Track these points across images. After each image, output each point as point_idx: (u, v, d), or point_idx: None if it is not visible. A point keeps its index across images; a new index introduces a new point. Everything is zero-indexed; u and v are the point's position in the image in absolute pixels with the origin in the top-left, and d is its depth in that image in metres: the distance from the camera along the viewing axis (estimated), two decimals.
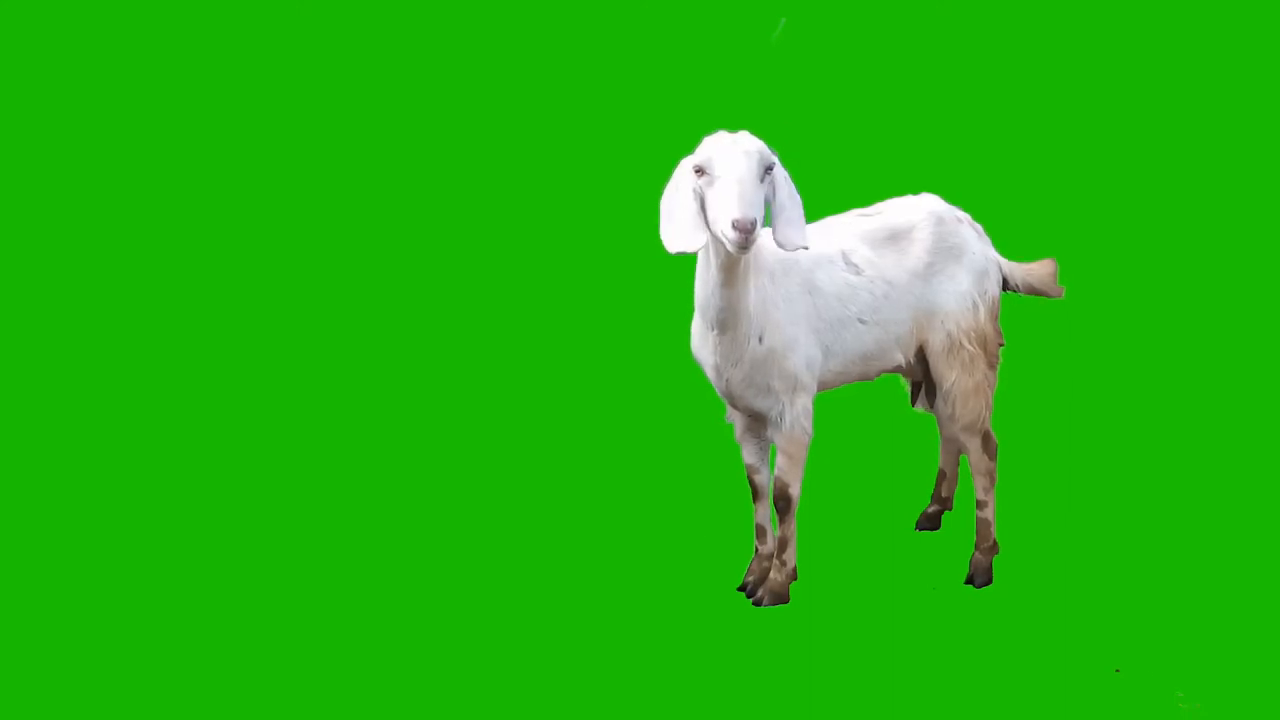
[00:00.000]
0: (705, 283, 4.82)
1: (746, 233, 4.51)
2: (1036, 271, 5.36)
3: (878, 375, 5.23)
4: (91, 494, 5.88)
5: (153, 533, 5.62)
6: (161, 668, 4.78)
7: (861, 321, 5.06)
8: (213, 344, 6.81)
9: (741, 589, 5.23)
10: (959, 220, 5.22)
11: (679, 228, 4.65)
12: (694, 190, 4.66)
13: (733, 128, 4.77)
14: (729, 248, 4.58)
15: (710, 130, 4.76)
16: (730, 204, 4.55)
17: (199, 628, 5.00)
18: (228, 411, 6.45)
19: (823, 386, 5.09)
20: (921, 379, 5.33)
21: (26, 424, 6.31)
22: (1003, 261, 5.29)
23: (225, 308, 7.00)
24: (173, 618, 5.07)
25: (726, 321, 4.83)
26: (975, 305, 5.17)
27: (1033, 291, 5.35)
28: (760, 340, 4.88)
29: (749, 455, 5.20)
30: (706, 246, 4.73)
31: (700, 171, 4.65)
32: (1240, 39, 7.36)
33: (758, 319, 4.86)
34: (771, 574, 5.14)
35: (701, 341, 4.96)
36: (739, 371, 4.92)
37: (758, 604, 5.13)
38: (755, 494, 5.21)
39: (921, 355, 5.20)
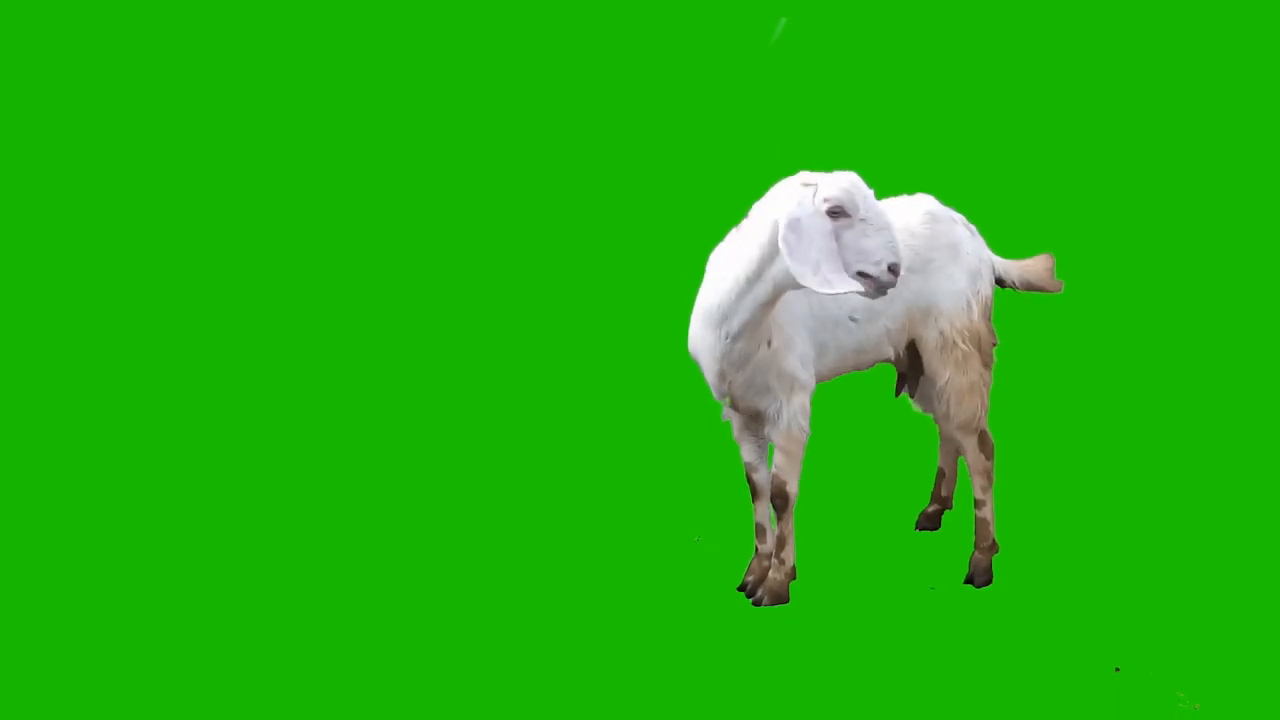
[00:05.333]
0: (739, 299, 4.81)
1: (897, 276, 4.65)
2: (1032, 267, 5.36)
3: (871, 366, 5.24)
4: (92, 494, 5.87)
5: (153, 532, 5.61)
6: (162, 668, 4.78)
7: (854, 320, 5.07)
8: (213, 344, 6.81)
9: (741, 589, 5.23)
10: (953, 220, 5.23)
11: (827, 270, 4.60)
12: (830, 231, 4.63)
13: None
14: (867, 289, 4.63)
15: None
16: (888, 250, 4.64)
17: (199, 627, 5.00)
18: (228, 411, 6.45)
19: (818, 380, 5.10)
20: (906, 370, 5.32)
21: (26, 424, 6.31)
22: (997, 260, 5.30)
23: (227, 307, 7.01)
24: (173, 617, 5.07)
25: (745, 333, 4.85)
26: (969, 304, 5.18)
27: (1030, 288, 5.35)
28: (769, 344, 4.90)
29: (747, 454, 5.20)
30: (755, 274, 4.74)
31: (839, 214, 4.64)
32: (1239, 39, 7.36)
33: (767, 327, 4.88)
34: (770, 573, 5.14)
35: (706, 346, 4.95)
36: (743, 375, 4.94)
37: (757, 604, 5.13)
38: (754, 492, 5.22)
39: (912, 348, 5.21)
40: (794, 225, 4.61)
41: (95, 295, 7.03)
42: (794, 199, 4.67)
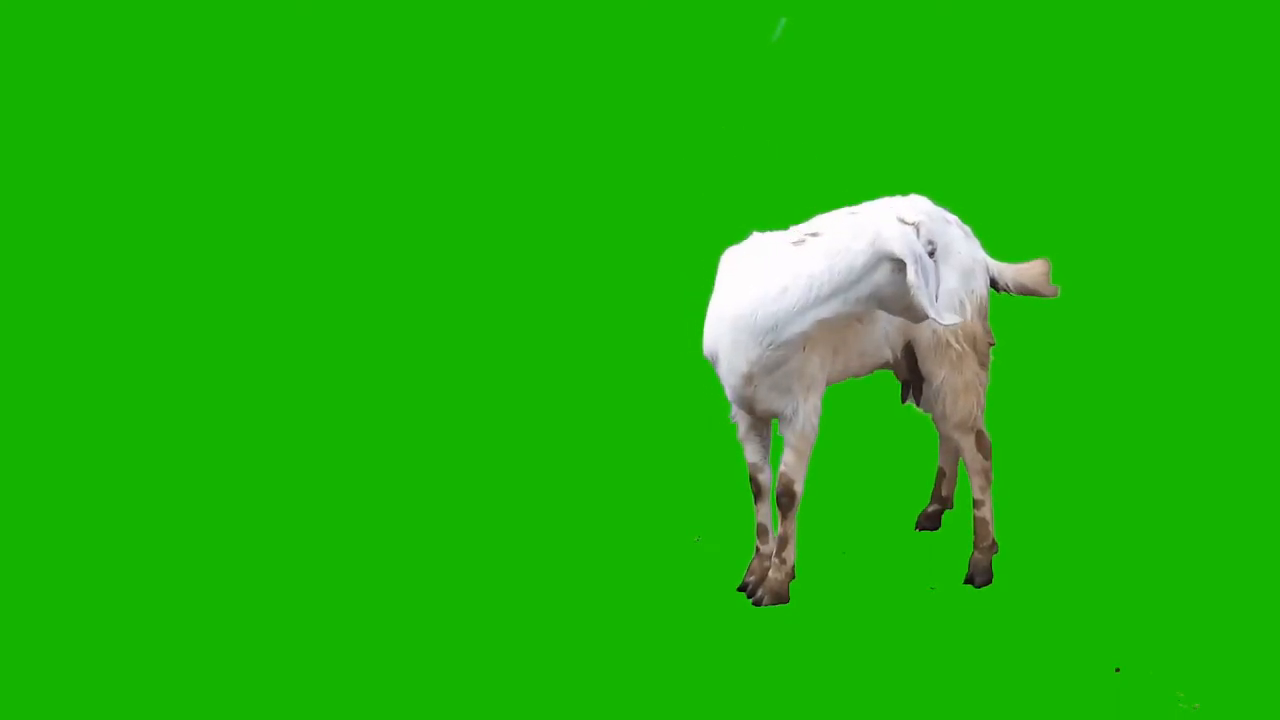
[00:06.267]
0: (802, 312, 4.85)
1: None
2: (1028, 271, 5.36)
3: (871, 371, 5.25)
4: (92, 494, 5.87)
5: (153, 533, 5.61)
6: (162, 668, 4.79)
7: (859, 321, 5.08)
8: (216, 344, 6.82)
9: (742, 589, 5.23)
10: (946, 221, 5.23)
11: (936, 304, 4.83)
12: (934, 268, 4.84)
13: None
14: (942, 320, 4.81)
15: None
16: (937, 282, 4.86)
17: (199, 628, 5.01)
18: (232, 412, 6.45)
19: (829, 383, 5.11)
20: (909, 376, 5.33)
21: (26, 424, 6.31)
22: (991, 263, 5.30)
23: (231, 308, 7.02)
24: (173, 618, 5.07)
25: (793, 343, 4.89)
26: (962, 304, 5.18)
27: (1024, 291, 5.34)
28: (804, 349, 4.91)
29: (752, 454, 5.21)
30: (831, 293, 4.83)
31: (933, 254, 4.85)
32: (1239, 39, 7.37)
33: (806, 337, 4.91)
34: (770, 573, 5.15)
35: (735, 350, 4.95)
36: (770, 379, 4.95)
37: (758, 604, 5.14)
38: (757, 494, 5.22)
39: (909, 352, 5.21)
40: (921, 262, 4.76)
41: (95, 295, 7.03)
42: (903, 234, 4.78)
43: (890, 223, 4.81)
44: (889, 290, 4.79)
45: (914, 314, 4.80)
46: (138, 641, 4.93)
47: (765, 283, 4.89)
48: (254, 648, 4.89)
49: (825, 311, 4.85)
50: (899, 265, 4.74)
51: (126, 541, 5.55)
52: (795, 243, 4.92)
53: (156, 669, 4.78)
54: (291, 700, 4.61)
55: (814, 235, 4.91)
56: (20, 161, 7.33)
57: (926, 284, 4.76)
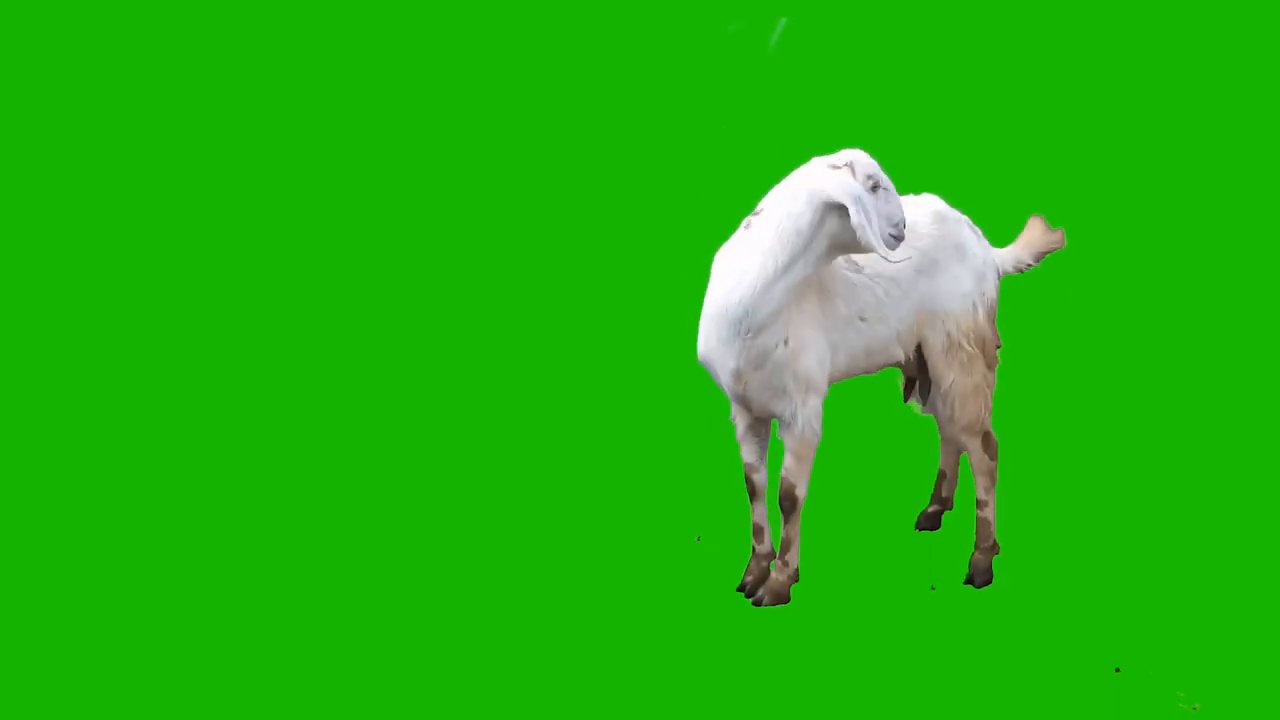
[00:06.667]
0: (768, 288, 4.84)
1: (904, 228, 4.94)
2: (1037, 239, 5.37)
3: (879, 369, 5.24)
4: (92, 494, 5.87)
5: (153, 533, 5.61)
6: (162, 668, 4.79)
7: (863, 319, 5.07)
8: (213, 344, 6.81)
9: (741, 589, 5.23)
10: (960, 221, 5.24)
11: (885, 242, 4.84)
12: (876, 204, 4.83)
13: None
14: (888, 249, 4.80)
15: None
16: (900, 209, 4.87)
17: (199, 628, 5.00)
18: (228, 412, 6.44)
19: (829, 382, 5.10)
20: (915, 374, 5.33)
21: (26, 424, 6.31)
22: (1004, 253, 5.31)
23: (227, 308, 7.01)
24: (172, 618, 5.07)
25: (769, 325, 4.86)
26: (974, 306, 5.18)
27: (1043, 256, 5.36)
28: (786, 344, 4.90)
29: (748, 454, 5.20)
30: (789, 260, 4.82)
31: (876, 187, 4.82)
32: (1240, 39, 7.37)
33: (784, 323, 4.89)
34: (773, 574, 5.14)
35: (722, 346, 4.95)
36: (760, 375, 4.94)
37: (758, 604, 5.13)
38: (752, 494, 5.22)
39: (919, 352, 5.21)
40: (860, 202, 4.75)
41: (95, 295, 7.03)
42: (837, 180, 4.78)
43: (822, 173, 4.82)
44: (846, 236, 4.80)
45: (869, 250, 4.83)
46: (136, 640, 4.93)
47: (727, 273, 4.92)
48: (252, 647, 4.89)
49: (793, 279, 4.85)
50: (844, 210, 4.75)
51: (124, 540, 5.55)
52: (745, 227, 4.94)
53: (155, 668, 4.78)
54: (289, 700, 4.61)
55: (758, 214, 4.92)
56: (19, 161, 7.33)
57: (870, 221, 4.75)
